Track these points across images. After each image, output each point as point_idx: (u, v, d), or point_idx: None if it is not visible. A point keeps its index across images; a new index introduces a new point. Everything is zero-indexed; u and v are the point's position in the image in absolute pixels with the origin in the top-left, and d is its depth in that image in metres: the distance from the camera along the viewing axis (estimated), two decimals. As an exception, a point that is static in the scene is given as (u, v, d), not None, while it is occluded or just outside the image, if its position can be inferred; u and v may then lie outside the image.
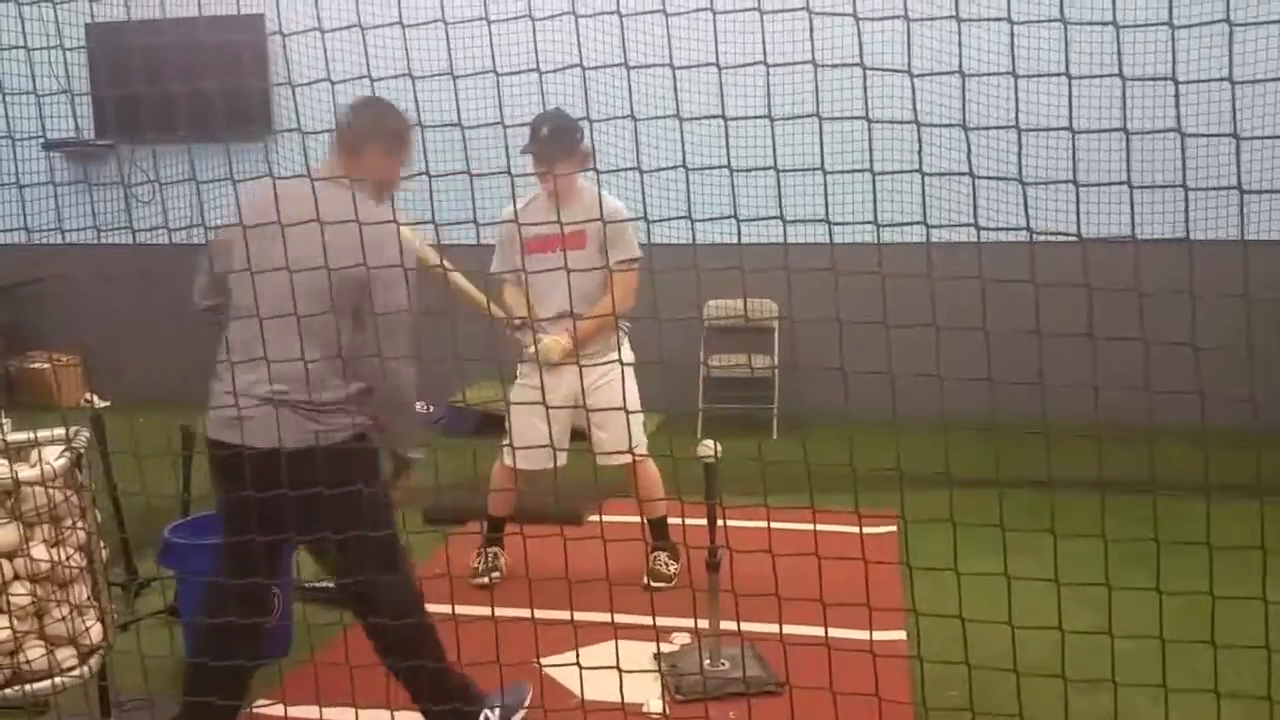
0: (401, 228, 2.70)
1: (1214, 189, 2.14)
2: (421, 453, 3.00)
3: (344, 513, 2.64)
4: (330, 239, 2.48)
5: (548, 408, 3.15)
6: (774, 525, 2.44)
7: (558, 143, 3.99)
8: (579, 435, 4.25)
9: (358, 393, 2.77)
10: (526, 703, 3.13)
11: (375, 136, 2.88)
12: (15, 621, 2.77)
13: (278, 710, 2.73)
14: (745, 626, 3.01)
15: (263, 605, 2.92)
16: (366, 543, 2.67)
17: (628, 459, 3.95)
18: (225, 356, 2.74)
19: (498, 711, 2.99)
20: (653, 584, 4.21)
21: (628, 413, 3.84)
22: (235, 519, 2.76)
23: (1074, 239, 2.18)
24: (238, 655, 2.73)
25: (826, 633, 2.41)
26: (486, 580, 4.29)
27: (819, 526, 2.40)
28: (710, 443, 3.39)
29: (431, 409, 7.36)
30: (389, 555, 2.83)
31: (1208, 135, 2.00)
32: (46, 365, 7.61)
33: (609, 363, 3.86)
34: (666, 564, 4.36)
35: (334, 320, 2.64)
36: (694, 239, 2.42)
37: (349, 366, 2.72)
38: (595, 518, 2.76)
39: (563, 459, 3.92)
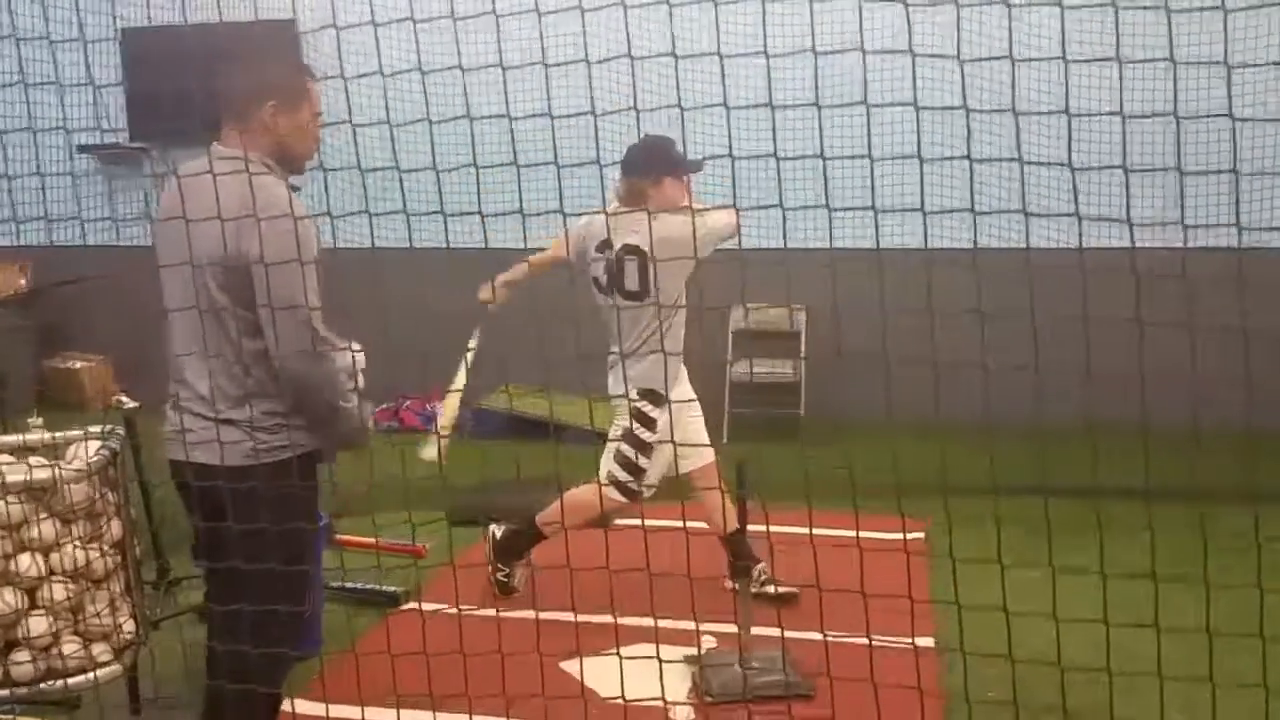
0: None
1: (1263, 173, 2.10)
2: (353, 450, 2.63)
3: (246, 541, 2.42)
4: (219, 205, 2.31)
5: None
6: (799, 530, 2.39)
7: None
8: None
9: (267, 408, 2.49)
10: None
11: (265, 94, 2.51)
12: (52, 617, 2.78)
13: (319, 708, 2.70)
14: (775, 631, 2.97)
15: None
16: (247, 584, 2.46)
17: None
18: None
19: None
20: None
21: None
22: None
23: (1125, 244, 2.14)
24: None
25: (869, 639, 2.37)
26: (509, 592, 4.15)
27: (843, 532, 2.36)
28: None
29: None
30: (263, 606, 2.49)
31: (1260, 120, 1.97)
32: (79, 365, 7.67)
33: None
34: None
35: (231, 319, 2.44)
36: (740, 243, 2.40)
37: (254, 371, 2.46)
38: (633, 521, 2.71)
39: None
